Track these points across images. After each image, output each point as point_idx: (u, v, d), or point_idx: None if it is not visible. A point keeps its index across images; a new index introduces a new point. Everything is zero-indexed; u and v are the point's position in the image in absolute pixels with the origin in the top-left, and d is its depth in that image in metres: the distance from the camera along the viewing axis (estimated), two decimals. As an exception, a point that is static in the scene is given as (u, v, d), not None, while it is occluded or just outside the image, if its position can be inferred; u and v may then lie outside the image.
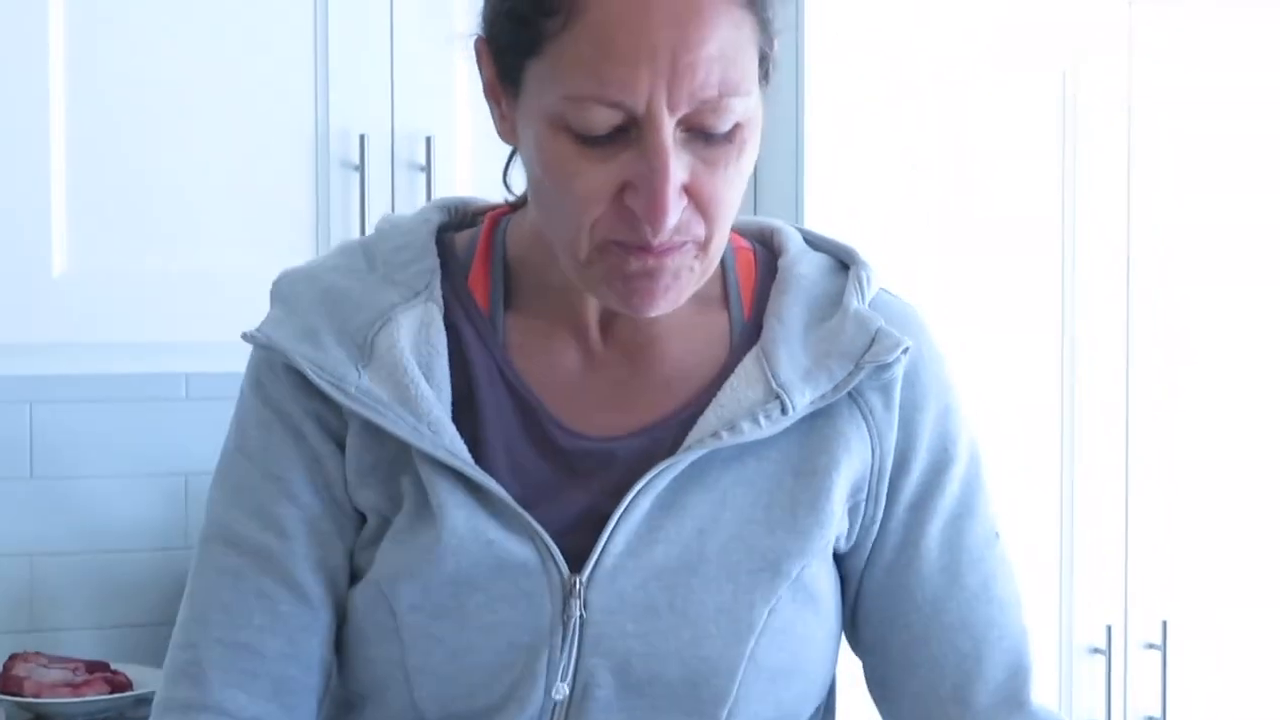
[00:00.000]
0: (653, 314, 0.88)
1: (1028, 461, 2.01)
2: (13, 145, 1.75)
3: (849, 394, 0.93)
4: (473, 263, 0.98)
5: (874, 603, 0.97)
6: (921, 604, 0.96)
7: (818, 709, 0.98)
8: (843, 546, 0.95)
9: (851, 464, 0.93)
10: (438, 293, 0.95)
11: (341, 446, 0.94)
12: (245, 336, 0.96)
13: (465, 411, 0.93)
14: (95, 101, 1.79)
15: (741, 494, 0.91)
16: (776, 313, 0.95)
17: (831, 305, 0.95)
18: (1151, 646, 2.01)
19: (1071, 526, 2.04)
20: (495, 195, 1.08)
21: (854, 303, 0.94)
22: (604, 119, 0.82)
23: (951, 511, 0.96)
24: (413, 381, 0.91)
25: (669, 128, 0.81)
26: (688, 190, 0.84)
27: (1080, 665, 2.01)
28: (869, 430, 0.94)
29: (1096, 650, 1.99)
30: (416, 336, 0.94)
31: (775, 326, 0.94)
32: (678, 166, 0.82)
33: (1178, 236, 2.11)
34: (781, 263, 0.98)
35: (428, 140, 1.83)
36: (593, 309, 0.95)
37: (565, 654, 0.89)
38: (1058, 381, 2.07)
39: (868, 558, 0.96)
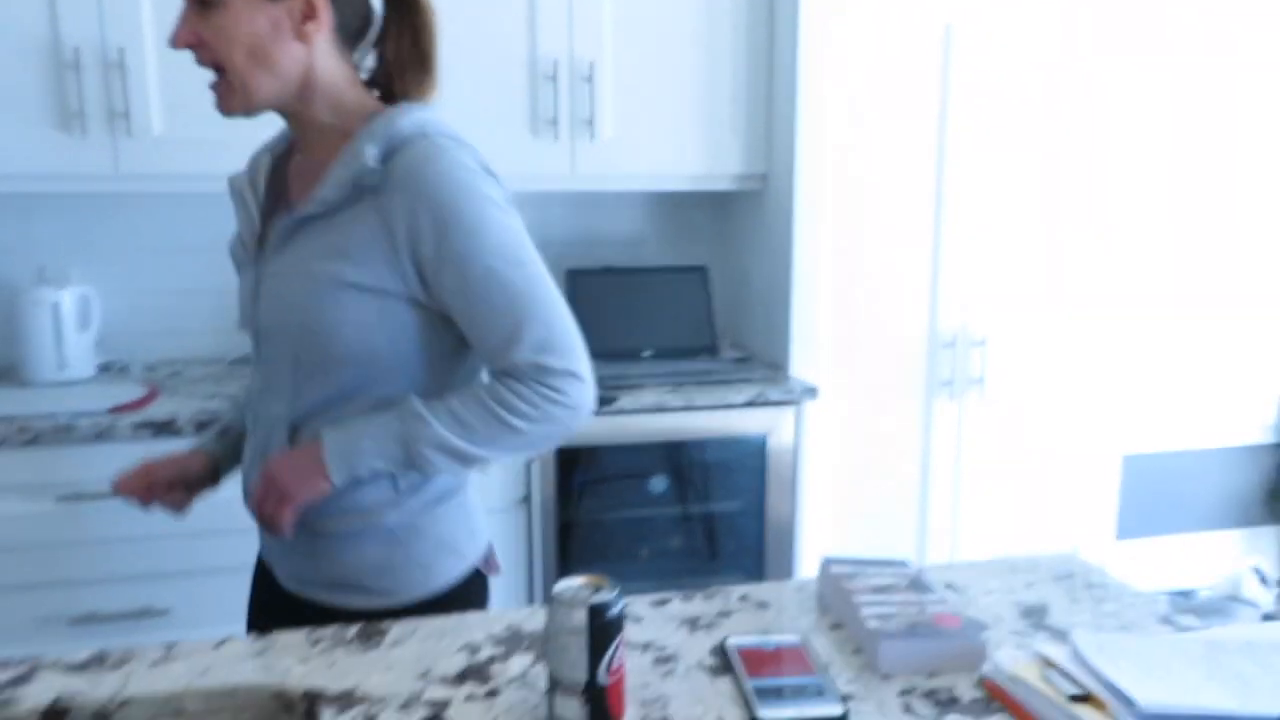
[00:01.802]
0: (222, 113, 1.15)
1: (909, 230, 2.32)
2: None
3: (370, 201, 1.13)
4: None
5: (451, 309, 1.16)
6: (462, 304, 1.15)
7: (387, 381, 1.19)
8: (421, 294, 1.15)
9: (375, 235, 1.13)
10: (278, 147, 1.30)
11: None
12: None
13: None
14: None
15: (314, 237, 1.17)
16: (340, 160, 1.17)
17: (355, 158, 1.16)
18: (977, 344, 2.46)
19: (938, 268, 2.37)
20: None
21: (365, 152, 1.14)
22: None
23: (458, 257, 1.13)
24: (246, 190, 1.28)
25: (184, 6, 1.12)
26: (199, 35, 1.12)
27: (940, 353, 2.45)
28: (380, 218, 1.14)
29: (947, 345, 2.44)
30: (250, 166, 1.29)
31: (334, 166, 1.17)
32: (185, 23, 1.12)
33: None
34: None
35: (590, 64, 2.23)
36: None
37: (259, 290, 1.23)
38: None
39: (433, 293, 1.15)
